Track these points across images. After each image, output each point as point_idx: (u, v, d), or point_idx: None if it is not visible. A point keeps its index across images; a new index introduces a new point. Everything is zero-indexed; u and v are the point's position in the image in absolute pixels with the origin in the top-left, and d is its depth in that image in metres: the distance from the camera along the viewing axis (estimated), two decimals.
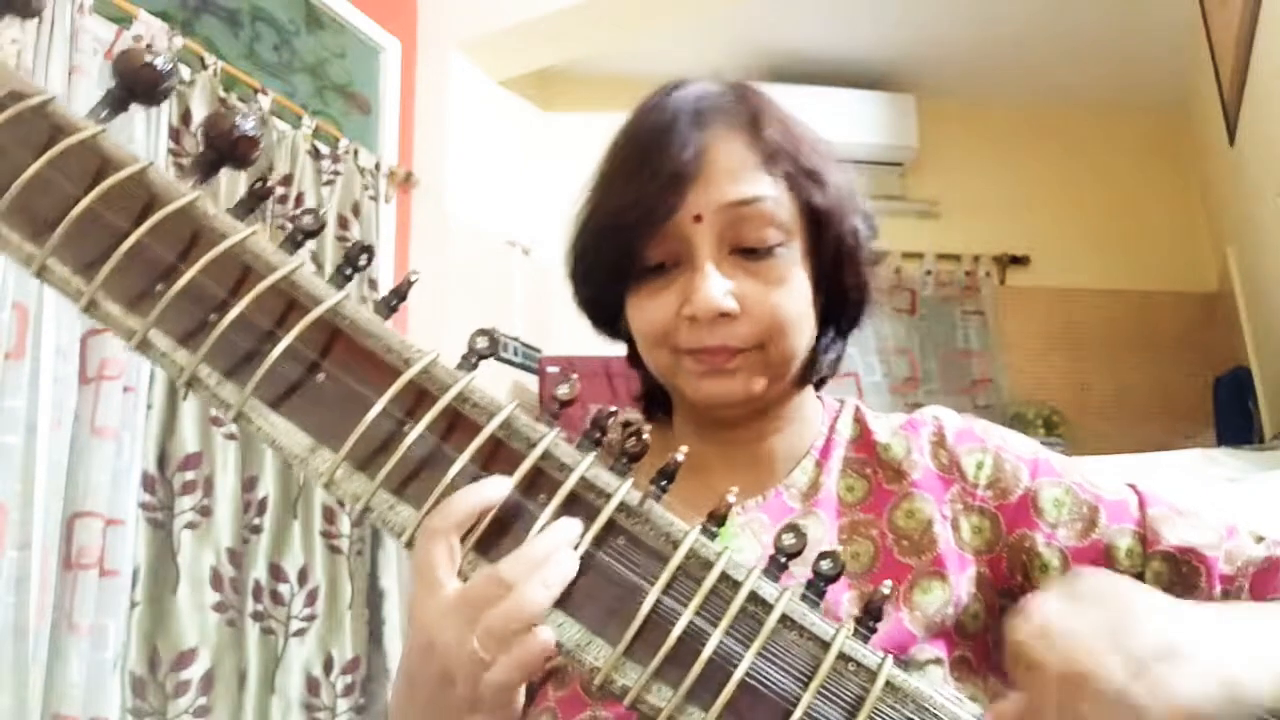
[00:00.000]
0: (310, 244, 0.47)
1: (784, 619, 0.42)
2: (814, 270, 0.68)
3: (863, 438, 0.73)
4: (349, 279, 0.46)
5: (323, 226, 0.47)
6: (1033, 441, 0.72)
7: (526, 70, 3.20)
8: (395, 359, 0.45)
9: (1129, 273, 3.64)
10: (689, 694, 0.40)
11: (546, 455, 0.44)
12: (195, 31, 2.22)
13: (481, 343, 0.46)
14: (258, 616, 2.06)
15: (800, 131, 0.69)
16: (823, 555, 0.43)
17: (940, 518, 0.67)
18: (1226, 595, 0.63)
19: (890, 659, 0.42)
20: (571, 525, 0.43)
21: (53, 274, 0.44)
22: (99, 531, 1.71)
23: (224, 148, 0.47)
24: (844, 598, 0.64)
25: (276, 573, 2.12)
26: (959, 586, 0.65)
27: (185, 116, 2.07)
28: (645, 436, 0.45)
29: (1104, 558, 0.65)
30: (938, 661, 0.63)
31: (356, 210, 2.53)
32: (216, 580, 1.97)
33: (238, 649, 2.00)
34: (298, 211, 0.45)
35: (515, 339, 2.93)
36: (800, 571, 0.44)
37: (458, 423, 0.45)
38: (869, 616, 0.43)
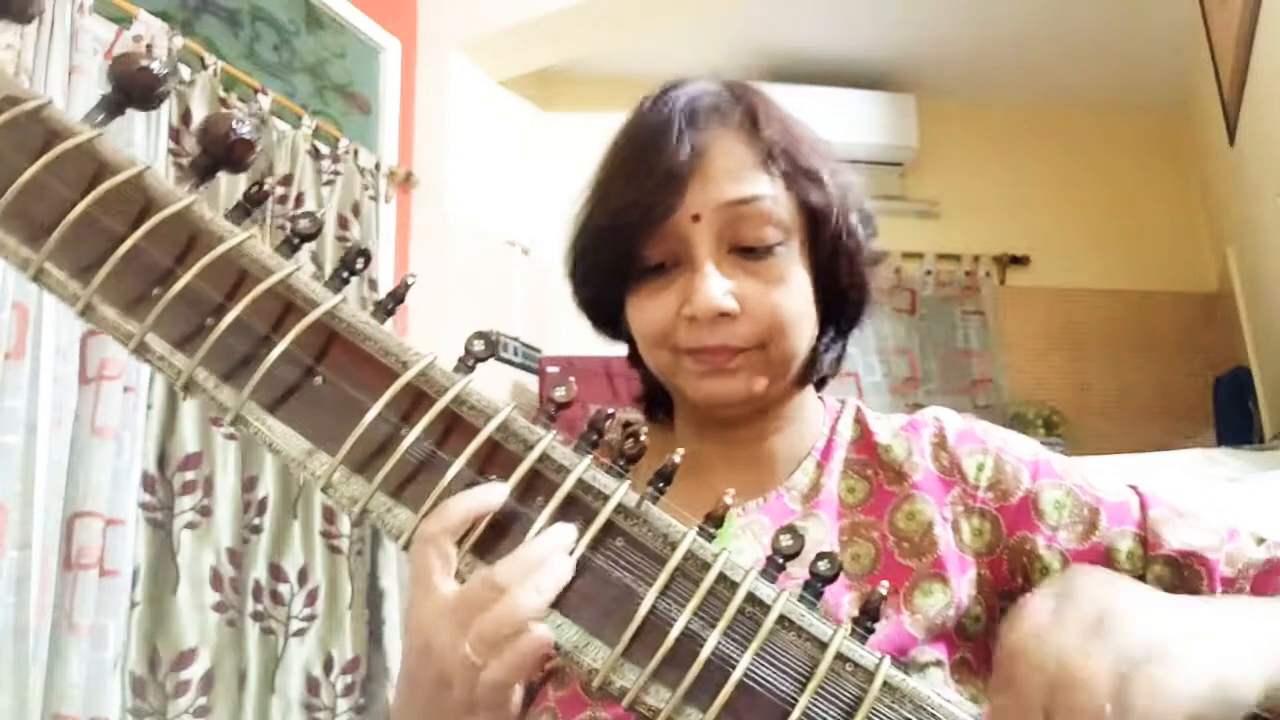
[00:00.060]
0: (309, 245, 0.47)
1: (781, 620, 0.42)
2: (814, 269, 0.68)
3: (864, 439, 0.73)
4: (346, 282, 0.46)
5: (320, 229, 0.47)
6: (1034, 443, 0.72)
7: (526, 70, 3.20)
8: (392, 361, 0.45)
9: (1129, 273, 3.64)
10: (687, 695, 0.40)
11: (544, 457, 0.44)
12: (195, 31, 2.22)
13: (478, 346, 0.46)
14: (258, 616, 2.07)
15: (799, 131, 0.69)
16: (820, 556, 0.43)
17: (941, 520, 0.67)
18: None
19: (888, 659, 0.42)
20: (567, 530, 0.43)
21: (50, 278, 0.45)
22: (99, 531, 1.71)
23: (220, 152, 0.47)
24: (844, 600, 0.64)
25: (276, 573, 2.13)
26: (960, 589, 0.65)
27: (185, 117, 2.07)
28: (643, 438, 0.45)
29: (1104, 560, 0.64)
30: (938, 664, 0.63)
31: (356, 210, 2.53)
32: (216, 580, 1.97)
33: (238, 649, 2.00)
34: (296, 213, 0.45)
35: (515, 339, 2.93)
36: (799, 573, 0.44)
37: (455, 425, 0.45)
38: (866, 617, 0.43)
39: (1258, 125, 2.77)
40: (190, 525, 1.95)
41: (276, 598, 2.12)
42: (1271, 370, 2.87)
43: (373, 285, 2.43)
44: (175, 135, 2.02)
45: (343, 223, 2.49)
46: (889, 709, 0.41)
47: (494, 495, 0.43)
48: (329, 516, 2.25)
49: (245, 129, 0.47)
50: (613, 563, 0.43)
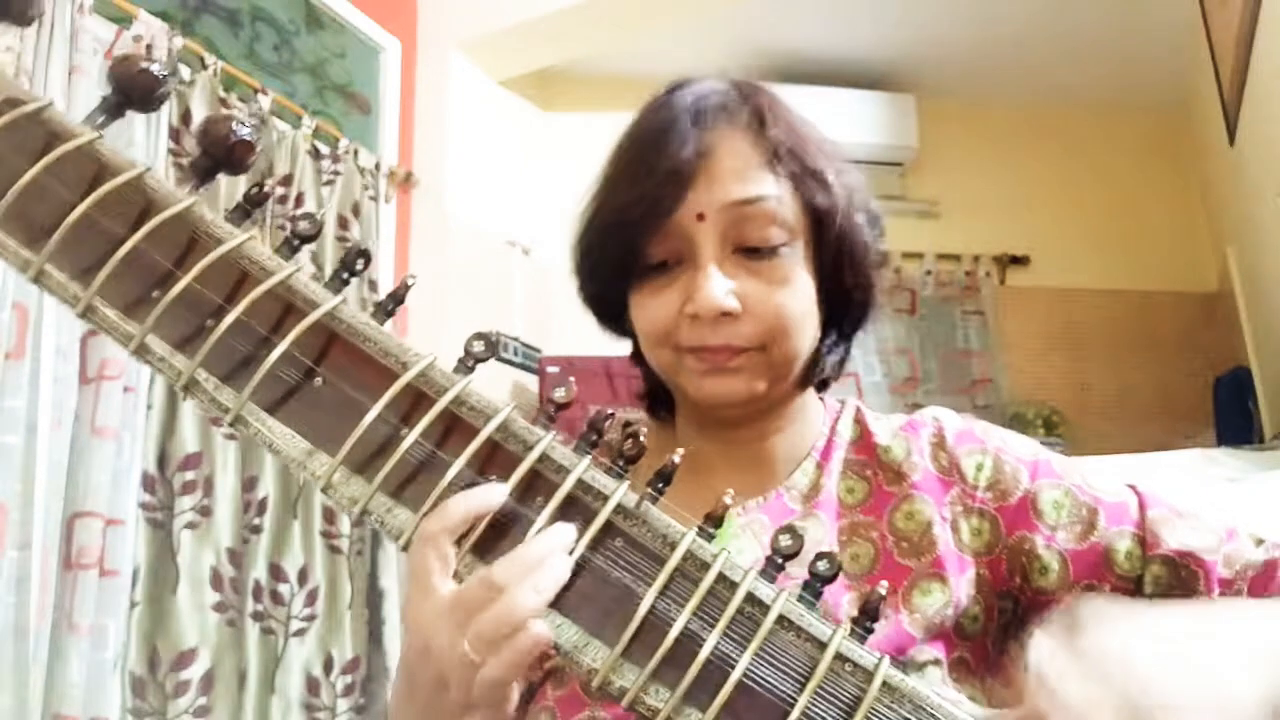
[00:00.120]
0: (309, 246, 0.47)
1: (781, 620, 0.42)
2: (818, 271, 0.68)
3: (863, 439, 0.73)
4: (346, 283, 0.46)
5: (320, 231, 0.47)
6: (1033, 443, 0.72)
7: (526, 70, 3.20)
8: (392, 362, 0.45)
9: (1129, 273, 3.64)
10: (686, 695, 0.40)
11: (543, 458, 0.44)
12: (195, 31, 2.22)
13: (478, 347, 0.46)
14: (258, 616, 2.07)
15: (806, 131, 0.69)
16: (819, 556, 0.43)
17: (940, 519, 0.67)
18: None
19: (887, 659, 0.42)
20: (566, 530, 0.43)
21: (50, 279, 0.45)
22: (99, 531, 1.71)
23: (220, 153, 0.47)
24: (844, 599, 0.64)
25: (276, 573, 2.13)
26: (958, 588, 0.65)
27: (185, 117, 2.07)
28: (642, 439, 0.45)
29: (1103, 560, 0.65)
30: (936, 663, 0.63)
31: (356, 210, 2.53)
32: (216, 580, 1.97)
33: (238, 649, 2.00)
34: (296, 214, 0.45)
35: (515, 339, 2.93)
36: (799, 573, 0.44)
37: (455, 426, 0.45)
38: (865, 616, 0.43)
39: (1258, 125, 2.77)
40: (190, 525, 1.95)
41: (276, 598, 2.12)
42: (1271, 370, 2.87)
43: (373, 286, 2.43)
44: (175, 135, 2.03)
45: (343, 223, 2.49)
46: (888, 709, 0.41)
47: (494, 495, 0.43)
48: (329, 516, 2.25)
49: (245, 130, 0.47)
50: (612, 563, 0.43)
